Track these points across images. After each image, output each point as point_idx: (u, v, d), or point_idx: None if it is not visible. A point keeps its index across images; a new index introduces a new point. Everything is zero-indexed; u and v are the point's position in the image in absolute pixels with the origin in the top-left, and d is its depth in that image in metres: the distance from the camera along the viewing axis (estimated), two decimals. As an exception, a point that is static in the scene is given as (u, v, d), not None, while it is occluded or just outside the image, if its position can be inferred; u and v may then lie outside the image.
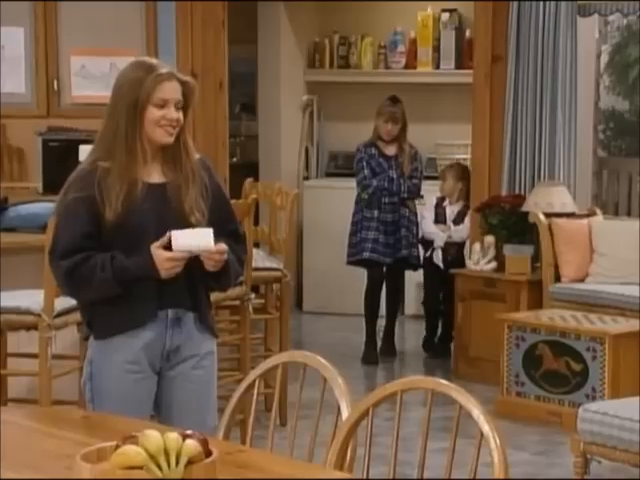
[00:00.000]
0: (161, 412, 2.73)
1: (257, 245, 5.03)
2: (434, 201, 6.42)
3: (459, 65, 7.20)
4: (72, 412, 2.49)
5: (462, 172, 6.30)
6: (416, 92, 7.41)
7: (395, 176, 6.05)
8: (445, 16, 7.22)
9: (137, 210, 2.59)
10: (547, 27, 5.67)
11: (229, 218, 2.76)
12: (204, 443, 1.78)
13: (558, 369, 4.89)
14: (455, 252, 6.16)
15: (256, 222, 5.03)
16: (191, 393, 2.72)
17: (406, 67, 7.42)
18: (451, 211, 6.32)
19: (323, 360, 2.36)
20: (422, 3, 7.30)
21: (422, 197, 6.31)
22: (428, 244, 6.28)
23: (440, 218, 6.33)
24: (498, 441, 1.97)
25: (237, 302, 4.46)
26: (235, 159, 7.69)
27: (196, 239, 2.58)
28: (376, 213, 6.06)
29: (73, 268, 2.59)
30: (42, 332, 3.65)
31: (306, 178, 7.66)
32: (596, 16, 6.02)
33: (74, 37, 5.80)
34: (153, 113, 2.59)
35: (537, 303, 5.45)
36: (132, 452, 1.70)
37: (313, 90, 7.71)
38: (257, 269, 4.58)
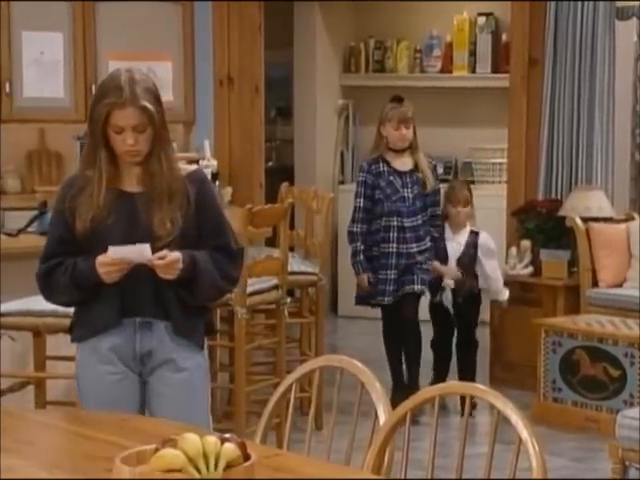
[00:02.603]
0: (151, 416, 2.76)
1: (292, 249, 5.04)
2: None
3: (495, 69, 7.17)
4: (111, 415, 2.50)
5: (469, 191, 5.22)
6: (452, 96, 7.40)
7: (411, 195, 4.87)
8: (481, 20, 7.20)
9: (104, 222, 2.65)
10: (585, 30, 5.63)
11: (218, 232, 2.74)
12: (242, 447, 1.79)
13: (595, 375, 4.85)
14: (467, 292, 5.11)
15: (292, 226, 5.04)
16: (169, 398, 2.72)
17: (442, 71, 7.40)
18: (457, 244, 5.12)
19: (360, 364, 2.36)
20: (458, 7, 7.28)
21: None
22: (436, 282, 5.06)
23: (439, 254, 5.06)
24: (537, 447, 1.96)
25: (273, 306, 4.47)
26: (270, 163, 7.72)
27: (130, 252, 2.62)
28: (394, 247, 4.91)
29: (45, 273, 2.73)
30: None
31: (341, 182, 7.66)
32: (635, 20, 5.96)
33: (112, 41, 5.85)
34: (112, 137, 2.63)
35: (574, 308, 5.41)
36: (171, 455, 1.71)
37: (348, 94, 7.71)
38: (292, 273, 4.59)
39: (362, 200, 4.91)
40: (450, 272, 5.10)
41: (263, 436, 2.43)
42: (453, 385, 2.24)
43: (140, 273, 2.64)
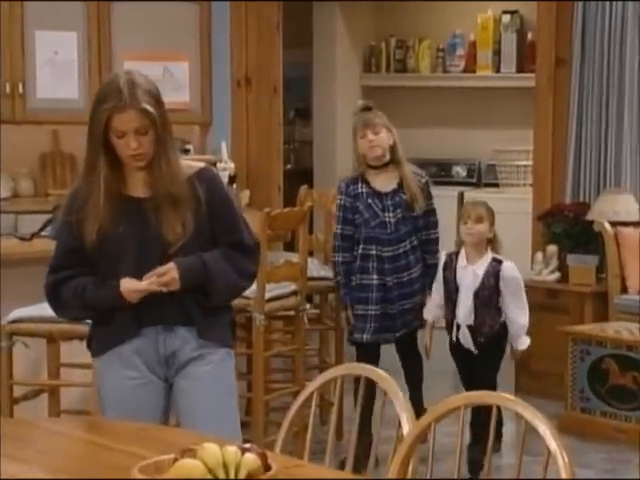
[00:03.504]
0: (180, 421, 2.78)
1: (311, 254, 5.03)
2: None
3: (520, 69, 7.16)
4: (127, 424, 2.51)
5: (488, 210, 4.45)
6: (475, 97, 7.39)
7: (393, 220, 4.31)
8: (506, 18, 7.19)
9: (115, 230, 2.67)
10: (613, 28, 5.62)
11: (232, 229, 2.76)
12: (263, 457, 1.79)
13: (625, 384, 4.83)
14: (490, 331, 4.33)
15: (310, 230, 5.04)
16: (195, 392, 2.73)
17: (465, 71, 7.39)
18: (473, 275, 4.30)
19: (382, 372, 2.36)
20: (482, 5, 7.27)
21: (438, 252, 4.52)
22: (449, 318, 4.43)
23: (450, 287, 4.33)
24: (567, 458, 1.96)
25: (291, 312, 4.47)
26: (289, 166, 7.73)
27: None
28: (374, 279, 4.36)
29: (53, 286, 2.77)
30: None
31: (362, 185, 7.65)
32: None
33: (127, 41, 5.88)
34: (115, 143, 2.64)
35: (602, 315, 5.38)
36: (190, 465, 1.72)
37: (369, 95, 7.68)
38: (312, 279, 4.58)
39: (341, 226, 4.40)
40: (429, 310, 4.43)
41: (283, 446, 2.43)
42: (479, 394, 2.23)
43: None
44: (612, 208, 5.50)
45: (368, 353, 4.33)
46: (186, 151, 5.91)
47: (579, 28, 5.69)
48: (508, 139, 7.18)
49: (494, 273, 4.30)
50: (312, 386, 2.46)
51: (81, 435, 2.49)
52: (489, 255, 4.35)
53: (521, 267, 6.09)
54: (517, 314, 4.37)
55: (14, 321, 3.74)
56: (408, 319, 4.43)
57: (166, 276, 2.66)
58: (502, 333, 4.37)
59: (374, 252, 4.34)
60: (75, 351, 3.97)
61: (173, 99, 5.85)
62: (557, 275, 5.70)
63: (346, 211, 4.40)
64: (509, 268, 4.34)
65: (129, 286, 2.67)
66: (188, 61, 6.02)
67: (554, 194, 5.85)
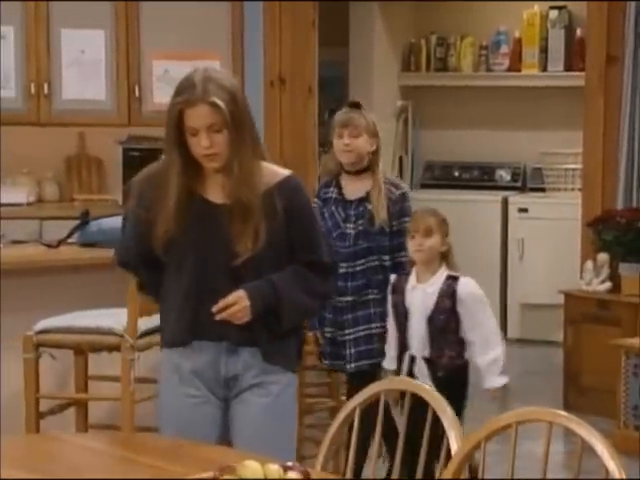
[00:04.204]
0: (233, 442, 2.76)
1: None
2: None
3: (568, 67, 7.13)
4: (160, 439, 2.53)
5: (439, 219, 3.78)
6: (520, 97, 7.37)
7: (353, 232, 3.92)
8: (553, 13, 7.16)
9: (182, 235, 2.67)
10: (668, 25, 5.59)
11: (309, 246, 2.73)
12: (306, 475, 1.80)
13: (681, 401, 4.79)
14: (449, 360, 3.68)
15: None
16: (252, 421, 2.72)
17: (510, 69, 7.37)
18: (423, 295, 3.71)
19: (428, 387, 2.36)
20: (528, 0, 7.25)
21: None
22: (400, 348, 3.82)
23: (399, 311, 3.78)
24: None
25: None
26: (324, 169, 7.74)
27: None
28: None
29: (123, 265, 2.93)
30: (125, 354, 3.71)
31: (400, 190, 7.65)
32: None
33: (156, 40, 5.92)
34: (190, 142, 2.64)
35: (657, 328, 5.34)
36: (232, 483, 1.72)
37: (408, 95, 7.71)
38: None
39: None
40: (387, 358, 3.83)
41: (324, 463, 2.44)
42: (532, 411, 2.22)
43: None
44: (667, 214, 5.46)
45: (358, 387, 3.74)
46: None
47: (632, 24, 5.66)
48: (555, 141, 7.15)
49: (450, 293, 3.66)
50: (354, 402, 2.46)
51: (112, 450, 2.50)
52: (443, 272, 3.70)
53: (570, 276, 6.14)
54: (481, 345, 3.63)
55: (41, 332, 3.77)
56: (363, 351, 3.93)
57: (236, 307, 2.65)
58: (467, 365, 3.71)
59: None
60: (104, 363, 4.00)
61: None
62: (608, 285, 5.66)
63: (321, 217, 3.96)
64: (466, 284, 3.66)
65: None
66: (219, 60, 6.04)
67: (605, 199, 5.82)
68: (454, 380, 3.62)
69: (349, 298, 3.91)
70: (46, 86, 5.77)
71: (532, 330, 7.08)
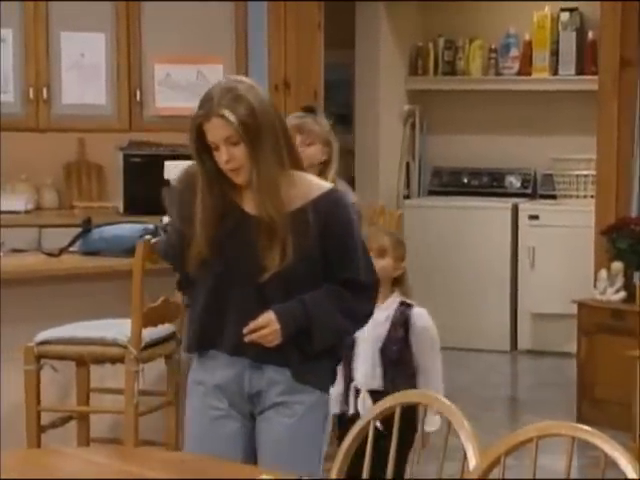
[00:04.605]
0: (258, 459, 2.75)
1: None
2: None
3: (580, 70, 7.12)
4: (162, 454, 2.52)
5: (394, 239, 3.64)
6: (531, 101, 7.37)
7: None
8: (565, 16, 7.16)
9: (212, 248, 2.67)
10: (684, 27, 5.58)
11: (345, 264, 2.69)
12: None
13: (699, 414, 4.77)
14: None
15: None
16: (275, 441, 2.71)
17: (520, 73, 7.37)
18: (374, 323, 3.21)
19: (446, 400, 2.36)
20: (538, 2, 7.25)
21: None
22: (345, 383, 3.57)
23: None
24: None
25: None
26: (329, 176, 7.73)
27: None
28: None
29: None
30: (129, 365, 3.71)
31: (407, 197, 7.66)
32: None
33: (158, 43, 5.92)
34: (215, 154, 2.65)
35: (673, 338, 5.33)
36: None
37: (415, 99, 7.71)
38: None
39: None
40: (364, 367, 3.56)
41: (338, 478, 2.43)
42: (552, 425, 2.21)
43: (255, 315, 2.65)
44: (683, 222, 5.46)
45: None
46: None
47: (646, 27, 5.66)
48: (566, 147, 7.14)
49: (403, 321, 3.50)
50: (368, 415, 2.46)
51: (114, 465, 2.49)
52: (395, 298, 3.52)
53: (583, 286, 6.13)
54: (424, 379, 3.50)
55: (42, 342, 3.77)
56: None
57: (266, 330, 2.63)
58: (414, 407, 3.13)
59: None
60: (106, 375, 4.00)
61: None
62: (623, 294, 5.65)
63: None
64: (420, 316, 3.51)
65: None
66: (222, 64, 6.06)
67: (619, 206, 5.82)
68: (408, 420, 2.93)
69: None
70: (45, 90, 5.77)
71: (543, 341, 7.07)
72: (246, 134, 2.60)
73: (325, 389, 2.74)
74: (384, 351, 3.48)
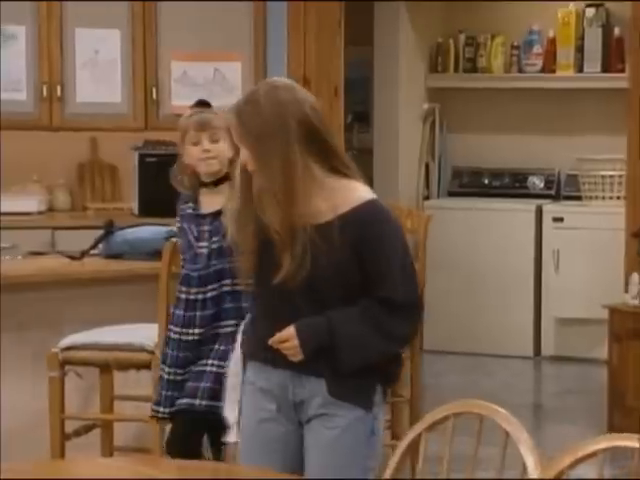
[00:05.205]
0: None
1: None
2: None
3: (606, 68, 7.10)
4: (188, 463, 2.51)
5: None
6: (555, 99, 7.35)
7: (206, 251, 3.57)
8: (590, 12, 7.14)
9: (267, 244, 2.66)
10: None
11: (380, 282, 2.63)
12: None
13: None
14: None
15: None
16: (316, 454, 2.71)
17: (543, 71, 7.35)
18: None
19: (503, 410, 2.34)
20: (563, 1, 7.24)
21: None
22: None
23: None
24: None
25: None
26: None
27: None
28: (176, 331, 3.57)
29: None
30: (156, 372, 3.69)
31: (426, 198, 7.65)
32: None
33: (175, 39, 5.91)
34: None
35: None
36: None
37: (435, 97, 7.69)
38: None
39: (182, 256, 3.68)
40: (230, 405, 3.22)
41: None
42: (622, 435, 2.19)
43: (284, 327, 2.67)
44: None
45: (177, 432, 3.52)
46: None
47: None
48: (591, 146, 7.13)
49: None
50: (420, 426, 2.44)
51: (138, 471, 2.46)
52: None
53: (610, 290, 6.11)
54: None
55: (67, 348, 3.76)
56: (188, 389, 3.52)
57: (287, 344, 2.64)
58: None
59: (183, 296, 3.55)
60: (130, 382, 3.99)
61: (224, 102, 5.88)
62: (656, 299, 5.63)
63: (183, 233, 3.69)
64: None
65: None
66: (241, 61, 6.05)
67: (650, 208, 5.81)
68: None
69: (196, 330, 3.52)
70: (59, 88, 5.76)
71: (568, 346, 7.05)
72: (240, 136, 2.62)
73: (367, 407, 2.69)
74: None
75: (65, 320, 3.91)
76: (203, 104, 3.71)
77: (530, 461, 2.24)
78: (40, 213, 5.93)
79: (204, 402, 3.46)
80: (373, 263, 2.64)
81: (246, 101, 2.64)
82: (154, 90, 5.89)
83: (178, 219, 3.68)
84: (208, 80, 5.95)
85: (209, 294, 3.53)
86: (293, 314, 2.65)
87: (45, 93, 5.74)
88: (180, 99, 5.93)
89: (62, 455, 3.73)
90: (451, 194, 7.71)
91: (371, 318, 2.65)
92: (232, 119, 2.62)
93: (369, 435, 2.72)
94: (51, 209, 6.08)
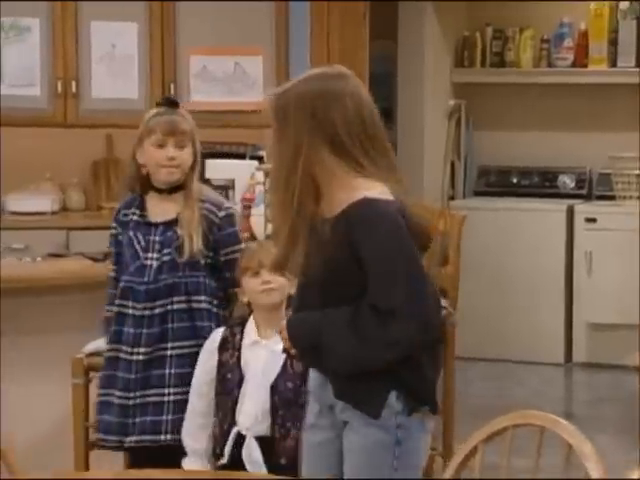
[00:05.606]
0: None
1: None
2: None
3: (641, 62, 7.10)
4: (216, 474, 2.48)
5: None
6: (587, 95, 7.33)
7: (156, 263, 3.43)
8: (624, 4, 7.12)
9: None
10: None
11: (369, 285, 2.58)
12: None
13: None
14: (296, 443, 3.15)
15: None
16: (349, 457, 2.70)
17: (574, 65, 7.33)
18: (266, 355, 3.27)
19: (565, 422, 2.32)
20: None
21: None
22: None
23: (229, 376, 3.30)
24: None
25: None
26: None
27: None
28: (127, 351, 3.45)
29: None
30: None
31: (451, 198, 7.63)
32: None
33: (194, 33, 5.92)
34: None
35: None
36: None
37: (461, 93, 7.68)
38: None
39: (112, 266, 3.58)
40: (189, 430, 3.35)
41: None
42: None
43: None
44: None
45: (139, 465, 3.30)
46: (259, 158, 5.91)
47: None
48: (625, 144, 7.10)
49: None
50: (476, 438, 2.42)
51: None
52: None
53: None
54: None
55: (92, 354, 3.73)
56: (148, 424, 3.39)
57: (282, 334, 2.72)
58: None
59: (130, 311, 3.43)
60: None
61: (244, 98, 5.87)
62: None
63: (116, 245, 3.55)
64: None
65: None
66: (262, 55, 6.04)
67: (688, 209, 5.78)
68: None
69: (141, 350, 3.39)
70: (74, 84, 5.75)
71: (601, 353, 7.02)
72: (276, 121, 2.63)
73: (374, 413, 2.63)
74: (275, 388, 3.20)
75: (89, 324, 3.88)
76: (171, 103, 3.57)
77: (595, 475, 2.21)
78: (53, 213, 5.92)
79: (169, 436, 3.36)
80: (365, 263, 2.59)
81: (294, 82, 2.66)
82: (172, 85, 5.88)
83: (115, 224, 3.52)
84: (228, 75, 5.94)
85: (157, 310, 3.40)
86: (304, 308, 2.71)
87: (60, 89, 5.72)
88: (199, 94, 5.93)
89: (86, 466, 3.70)
90: (477, 194, 7.69)
91: (354, 322, 2.60)
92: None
93: (392, 444, 2.64)
94: (64, 209, 6.07)
